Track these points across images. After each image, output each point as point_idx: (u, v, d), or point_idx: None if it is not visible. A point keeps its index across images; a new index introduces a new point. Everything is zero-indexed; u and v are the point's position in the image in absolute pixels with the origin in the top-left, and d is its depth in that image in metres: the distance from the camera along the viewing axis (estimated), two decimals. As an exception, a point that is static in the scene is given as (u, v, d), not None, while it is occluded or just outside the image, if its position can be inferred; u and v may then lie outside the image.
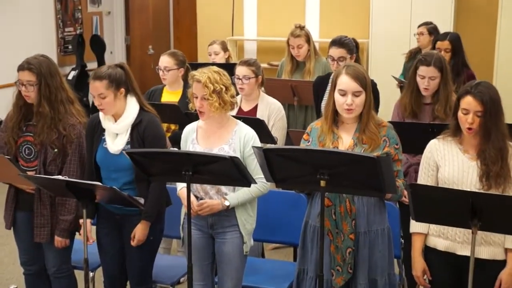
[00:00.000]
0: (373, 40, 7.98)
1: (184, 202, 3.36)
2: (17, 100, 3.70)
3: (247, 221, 3.50)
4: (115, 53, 9.80)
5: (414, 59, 4.83)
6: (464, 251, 3.06)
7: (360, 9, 8.22)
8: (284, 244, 5.09)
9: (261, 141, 3.58)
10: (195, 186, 3.47)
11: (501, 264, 3.08)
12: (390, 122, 3.38)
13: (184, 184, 3.18)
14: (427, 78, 4.02)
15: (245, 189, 3.40)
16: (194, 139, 3.52)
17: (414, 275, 3.26)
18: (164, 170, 3.22)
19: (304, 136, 3.31)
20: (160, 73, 4.84)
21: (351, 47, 4.63)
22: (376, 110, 4.09)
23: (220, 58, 5.96)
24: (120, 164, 3.47)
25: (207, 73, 3.40)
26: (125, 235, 3.59)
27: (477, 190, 2.95)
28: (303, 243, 3.34)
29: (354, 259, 3.19)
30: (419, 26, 6.42)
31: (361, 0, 8.21)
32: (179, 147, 3.71)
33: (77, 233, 3.76)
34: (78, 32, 8.98)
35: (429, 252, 3.23)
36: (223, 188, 3.44)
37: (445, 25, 6.97)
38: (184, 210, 3.55)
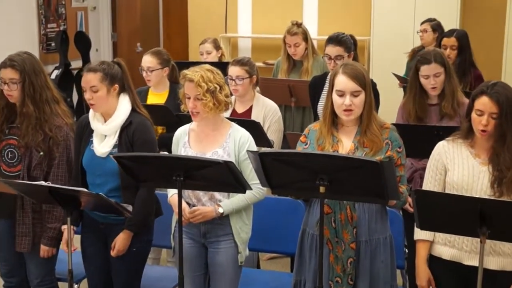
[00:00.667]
0: (374, 37, 8.00)
1: (175, 209, 3.36)
2: None
3: (242, 230, 3.50)
4: (101, 51, 9.79)
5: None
6: (472, 261, 3.06)
7: (361, 5, 8.25)
8: (281, 254, 5.09)
9: (257, 144, 3.58)
10: (187, 193, 3.46)
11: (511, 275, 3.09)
12: (393, 124, 3.38)
13: (176, 190, 3.18)
14: (432, 76, 4.03)
15: (240, 195, 3.40)
16: (186, 142, 3.52)
17: (418, 284, 3.26)
18: (154, 175, 3.20)
19: (301, 138, 3.31)
20: (144, 74, 4.79)
21: (349, 45, 4.64)
22: (376, 112, 4.09)
23: (213, 57, 5.96)
24: (107, 169, 3.45)
25: (200, 71, 3.40)
26: (110, 245, 3.56)
27: (487, 197, 2.94)
28: (300, 253, 3.34)
29: (355, 269, 3.19)
30: (422, 23, 6.45)
31: (362, -4, 8.24)
32: (167, 151, 3.70)
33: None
34: (61, 28, 8.96)
35: (434, 262, 3.23)
36: (217, 195, 3.44)
37: (451, 22, 7.00)
38: (175, 217, 3.55)
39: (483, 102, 3.00)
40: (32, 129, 3.59)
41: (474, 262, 2.99)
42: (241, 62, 4.51)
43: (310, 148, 3.22)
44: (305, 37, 5.49)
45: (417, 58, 4.19)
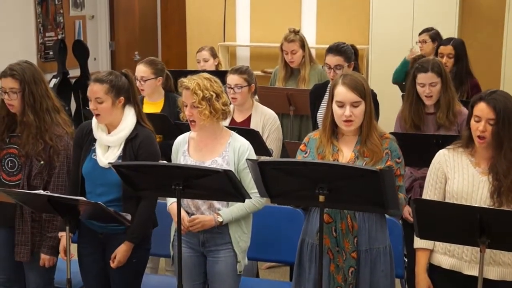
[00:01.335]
0: (373, 46, 8.01)
1: (175, 218, 3.35)
2: None
3: (241, 239, 3.50)
4: (99, 60, 9.80)
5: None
6: (472, 271, 3.06)
7: (359, 13, 8.26)
8: (280, 263, 5.09)
9: (256, 153, 3.58)
10: (186, 201, 3.46)
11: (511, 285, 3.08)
12: (392, 133, 3.39)
13: (175, 199, 3.18)
14: (428, 85, 4.05)
15: (239, 204, 3.40)
16: (185, 151, 3.52)
17: (418, 293, 3.26)
18: (153, 184, 3.21)
19: (301, 146, 3.31)
20: (137, 83, 4.76)
21: (349, 55, 4.64)
22: (376, 122, 4.10)
23: (210, 65, 5.96)
24: (109, 179, 3.44)
25: (197, 79, 3.41)
26: (108, 255, 3.55)
27: (487, 207, 2.95)
28: (300, 262, 3.34)
29: (355, 279, 3.18)
30: (420, 34, 6.45)
31: (360, 4, 8.25)
32: (165, 159, 3.70)
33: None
34: (59, 37, 8.96)
35: (433, 271, 3.22)
36: (216, 204, 3.44)
37: (449, 30, 7.00)
38: (174, 226, 3.55)
39: (481, 108, 3.01)
40: (33, 138, 3.59)
41: (474, 272, 2.98)
42: (239, 71, 4.51)
43: (310, 157, 3.22)
44: (302, 44, 5.50)
45: (415, 65, 4.22)
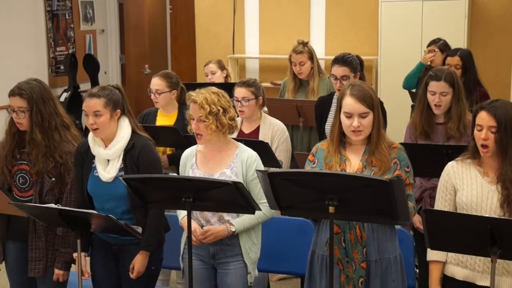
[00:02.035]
0: (382, 57, 8.01)
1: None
2: (10, 127, 3.70)
3: (251, 250, 3.49)
4: (110, 73, 9.83)
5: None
6: (485, 282, 3.04)
7: (368, 25, 8.26)
8: (291, 275, 5.07)
9: (265, 165, 3.58)
10: (195, 214, 3.46)
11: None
12: (402, 143, 3.38)
13: (185, 212, 3.17)
14: (438, 94, 4.04)
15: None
16: (193, 164, 3.52)
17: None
18: (163, 197, 3.21)
19: (310, 157, 3.31)
20: (152, 96, 4.81)
21: (355, 65, 4.64)
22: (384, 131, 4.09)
23: (218, 77, 5.98)
24: (115, 193, 3.46)
25: (205, 93, 3.42)
26: (121, 266, 3.57)
27: (498, 217, 2.93)
28: (310, 274, 3.32)
29: (366, 289, 3.18)
30: (428, 46, 6.44)
31: (369, 15, 8.25)
32: (177, 169, 3.70)
33: (72, 265, 3.73)
34: (70, 51, 9.01)
35: (447, 282, 3.21)
36: (225, 215, 3.44)
37: (459, 41, 7.00)
38: (184, 239, 3.54)
39: (482, 117, 3.02)
40: (42, 156, 3.59)
41: (487, 283, 2.96)
42: (247, 84, 4.52)
43: (318, 167, 3.22)
44: (311, 56, 5.51)
45: (430, 72, 4.21)
